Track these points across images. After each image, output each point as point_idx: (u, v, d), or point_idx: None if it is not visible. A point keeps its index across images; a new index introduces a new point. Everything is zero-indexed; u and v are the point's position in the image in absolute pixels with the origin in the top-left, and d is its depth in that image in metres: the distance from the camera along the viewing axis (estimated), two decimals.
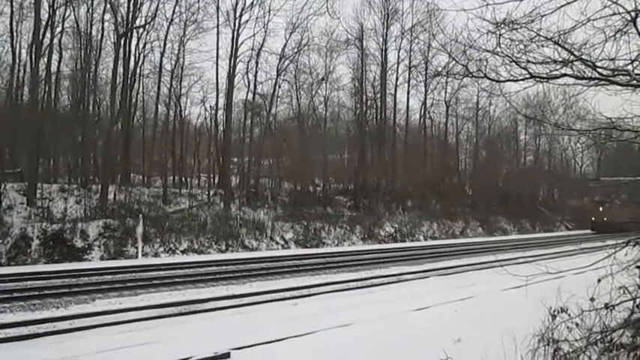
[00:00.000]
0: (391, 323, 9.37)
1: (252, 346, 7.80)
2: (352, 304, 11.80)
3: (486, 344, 5.37)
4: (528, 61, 6.10)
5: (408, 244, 33.93)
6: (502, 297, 11.44)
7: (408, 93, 45.93)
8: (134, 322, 10.02)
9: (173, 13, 33.43)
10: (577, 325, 5.40)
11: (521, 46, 6.05)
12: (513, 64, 6.16)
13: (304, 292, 13.90)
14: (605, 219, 46.94)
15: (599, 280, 5.42)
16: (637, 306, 5.29)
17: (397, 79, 44.72)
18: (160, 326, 9.73)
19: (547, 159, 62.48)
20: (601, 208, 49.34)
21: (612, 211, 46.96)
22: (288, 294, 13.48)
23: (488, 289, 13.11)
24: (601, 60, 5.85)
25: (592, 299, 5.37)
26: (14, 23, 30.23)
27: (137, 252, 22.97)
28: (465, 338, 7.25)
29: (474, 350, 5.22)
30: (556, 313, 5.54)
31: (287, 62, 39.29)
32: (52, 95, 31.65)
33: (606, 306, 5.30)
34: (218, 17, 35.45)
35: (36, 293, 12.74)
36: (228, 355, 7.34)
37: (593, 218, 49.55)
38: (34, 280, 14.83)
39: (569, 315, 5.50)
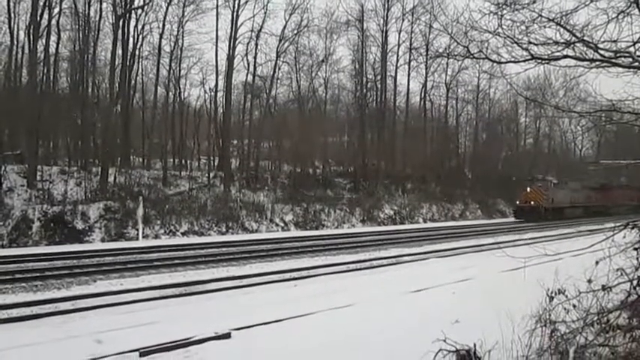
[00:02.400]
0: (390, 304, 9.45)
1: (252, 326, 7.88)
2: (352, 286, 11.89)
3: (484, 325, 5.42)
4: (530, 43, 6.06)
5: (407, 226, 34.06)
6: (500, 279, 11.50)
7: (409, 75, 45.68)
8: (135, 302, 10.10)
9: None
10: (574, 306, 5.45)
11: (523, 27, 6.01)
12: (515, 45, 6.13)
13: (304, 273, 13.99)
14: (532, 203, 39.18)
15: (596, 263, 5.46)
16: (634, 288, 5.33)
17: (398, 61, 44.43)
18: (161, 307, 9.81)
19: (547, 142, 62.39)
20: (528, 189, 40.19)
21: (547, 194, 40.04)
22: (288, 275, 13.57)
23: (487, 270, 13.19)
24: (603, 42, 5.81)
25: (589, 281, 5.41)
26: (11, 4, 29.95)
27: (138, 234, 23.06)
28: (463, 319, 7.31)
29: (472, 331, 5.28)
30: (553, 294, 5.59)
31: (287, 44, 39.03)
32: (51, 77, 31.44)
33: (603, 288, 5.34)
34: None
35: (38, 274, 12.82)
36: (228, 335, 7.42)
37: (518, 202, 40.53)
38: (35, 262, 14.91)
39: (566, 296, 5.54)
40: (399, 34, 43.87)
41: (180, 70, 36.41)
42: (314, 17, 42.77)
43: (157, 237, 23.82)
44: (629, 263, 5.46)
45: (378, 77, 43.32)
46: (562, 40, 5.94)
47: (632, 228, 5.62)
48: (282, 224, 30.08)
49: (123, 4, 30.68)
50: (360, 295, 10.25)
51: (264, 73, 39.43)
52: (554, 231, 28.73)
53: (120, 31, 30.80)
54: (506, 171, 51.91)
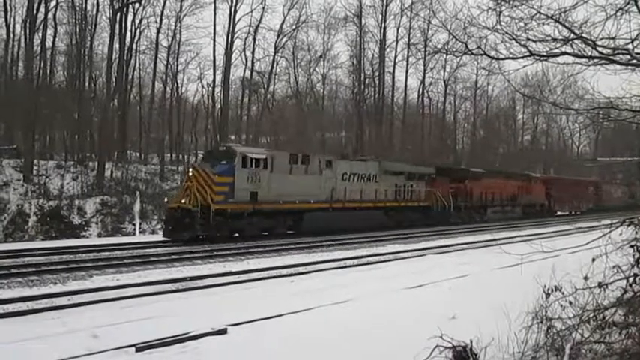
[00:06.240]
0: (387, 300, 9.46)
1: (249, 322, 7.88)
2: (349, 282, 11.89)
3: (480, 321, 5.43)
4: (528, 39, 6.06)
5: None
6: (497, 275, 11.54)
7: (407, 71, 45.72)
8: (132, 297, 10.07)
9: None
10: (570, 303, 5.47)
11: (522, 24, 6.01)
12: (513, 41, 6.13)
13: (301, 269, 13.99)
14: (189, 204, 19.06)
15: (593, 259, 5.47)
16: (630, 285, 5.34)
17: (396, 57, 44.46)
18: (158, 302, 9.79)
19: (544, 139, 62.52)
20: (191, 172, 19.87)
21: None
22: (284, 271, 13.56)
23: (484, 267, 13.21)
24: (601, 39, 5.82)
25: (586, 278, 5.43)
26: None
27: (134, 229, 23.04)
28: (459, 315, 7.34)
29: (468, 327, 5.28)
30: (550, 291, 5.61)
31: (285, 39, 39.02)
32: (48, 71, 31.37)
33: (600, 285, 5.35)
34: None
35: (34, 269, 12.78)
36: (225, 330, 7.42)
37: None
38: (31, 257, 14.86)
39: (562, 293, 5.56)
40: (398, 30, 43.92)
41: (177, 65, 36.41)
42: (312, 13, 42.89)
43: (153, 232, 23.79)
44: (625, 260, 5.47)
45: (376, 73, 43.32)
46: (560, 37, 5.95)
47: (629, 225, 5.63)
48: None
49: None
50: (357, 291, 10.25)
51: (262, 69, 39.44)
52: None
53: (117, 25, 30.72)
54: (503, 168, 52.03)
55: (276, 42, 38.30)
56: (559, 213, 43.93)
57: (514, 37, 6.08)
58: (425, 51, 43.56)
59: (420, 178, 27.95)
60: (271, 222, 20.45)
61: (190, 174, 19.18)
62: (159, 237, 19.53)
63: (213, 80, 37.83)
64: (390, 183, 25.85)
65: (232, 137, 39.00)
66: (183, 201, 18.69)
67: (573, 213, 45.80)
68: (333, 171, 22.82)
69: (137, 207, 22.98)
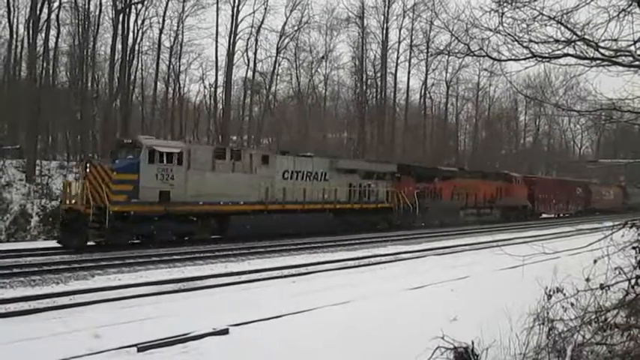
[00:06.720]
0: (388, 302, 9.45)
1: (250, 322, 7.88)
2: (350, 283, 11.90)
3: (482, 323, 5.43)
4: (530, 41, 6.06)
5: None
6: (498, 276, 11.52)
7: (409, 72, 45.72)
8: (133, 298, 10.08)
9: None
10: (572, 304, 5.46)
11: (524, 25, 6.01)
12: (515, 43, 6.13)
13: (302, 270, 13.99)
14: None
15: (595, 261, 5.46)
16: (632, 286, 5.33)
17: (398, 58, 44.47)
18: (159, 302, 9.80)
19: (546, 140, 62.47)
20: (88, 168, 16.87)
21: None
22: (286, 272, 13.57)
23: (485, 268, 13.21)
24: (604, 40, 5.82)
25: (587, 280, 5.41)
26: None
27: None
28: (460, 317, 7.33)
29: (470, 329, 5.28)
30: (552, 292, 5.59)
31: (287, 40, 39.06)
32: (50, 71, 31.40)
33: (601, 286, 5.34)
34: None
35: (36, 269, 12.80)
36: (226, 331, 7.42)
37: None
38: (33, 257, 14.89)
39: (564, 295, 5.55)
40: (400, 31, 43.92)
41: (180, 66, 36.46)
42: (314, 14, 42.95)
43: None
44: (628, 262, 5.46)
45: (378, 74, 43.32)
46: (563, 39, 5.95)
47: (631, 227, 5.62)
48: None
49: None
50: (359, 293, 10.25)
51: (264, 70, 39.49)
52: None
53: (120, 26, 30.76)
54: (505, 169, 51.95)
55: (278, 43, 38.38)
56: (544, 215, 41.91)
57: (516, 38, 6.09)
58: (427, 52, 43.56)
59: (380, 177, 25.59)
60: (189, 226, 18.11)
61: (87, 170, 16.40)
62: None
63: (216, 81, 37.92)
64: (343, 182, 23.56)
65: (234, 138, 39.06)
66: (73, 201, 16.27)
67: (561, 215, 43.64)
68: (271, 168, 20.65)
69: None
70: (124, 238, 16.52)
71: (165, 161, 17.10)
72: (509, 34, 6.10)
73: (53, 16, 30.12)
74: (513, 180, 36.45)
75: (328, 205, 22.64)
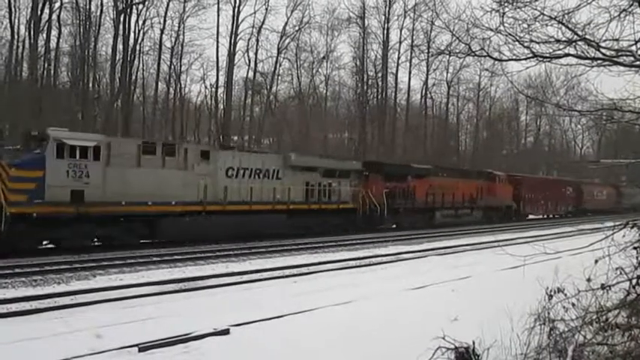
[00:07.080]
0: (390, 302, 9.45)
1: (251, 322, 7.89)
2: (351, 283, 11.90)
3: (483, 323, 5.43)
4: (531, 41, 6.06)
5: None
6: (499, 277, 11.51)
7: (410, 72, 45.78)
8: (135, 298, 10.09)
9: None
10: (573, 305, 5.45)
11: (525, 25, 6.01)
12: (516, 43, 6.14)
13: (303, 270, 14.00)
14: None
15: (596, 261, 5.46)
16: (633, 287, 5.33)
17: (399, 58, 44.53)
18: (161, 302, 9.81)
19: (547, 140, 62.43)
20: None
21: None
22: (287, 272, 13.57)
23: (487, 268, 13.20)
24: (605, 40, 5.82)
25: (589, 280, 5.41)
26: None
27: None
28: (462, 317, 7.32)
29: (471, 329, 5.28)
30: (553, 293, 5.59)
31: (288, 40, 39.11)
32: (52, 72, 31.46)
33: (602, 286, 5.34)
34: None
35: (37, 269, 12.80)
36: (227, 331, 7.42)
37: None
38: (35, 257, 14.89)
39: (565, 295, 5.54)
40: (401, 31, 44.00)
41: (181, 66, 36.50)
42: (315, 14, 42.85)
43: None
44: (629, 262, 5.45)
45: (379, 74, 43.36)
46: (564, 39, 5.95)
47: (632, 227, 5.62)
48: None
49: None
50: (360, 292, 10.26)
51: (265, 70, 39.52)
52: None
53: (121, 26, 30.83)
54: (506, 169, 51.94)
55: (279, 43, 38.42)
56: (531, 216, 40.03)
57: (517, 38, 6.09)
58: (428, 52, 43.59)
59: (344, 175, 23.63)
60: (109, 229, 16.10)
61: None
62: None
63: (216, 81, 37.97)
64: (299, 181, 21.53)
65: (235, 138, 39.08)
66: None
67: (550, 216, 42.29)
68: (212, 164, 18.60)
69: None
70: (27, 243, 14.70)
71: (77, 156, 15.03)
72: (510, 34, 6.10)
73: (54, 16, 30.22)
74: (496, 179, 34.49)
75: (280, 205, 20.73)
